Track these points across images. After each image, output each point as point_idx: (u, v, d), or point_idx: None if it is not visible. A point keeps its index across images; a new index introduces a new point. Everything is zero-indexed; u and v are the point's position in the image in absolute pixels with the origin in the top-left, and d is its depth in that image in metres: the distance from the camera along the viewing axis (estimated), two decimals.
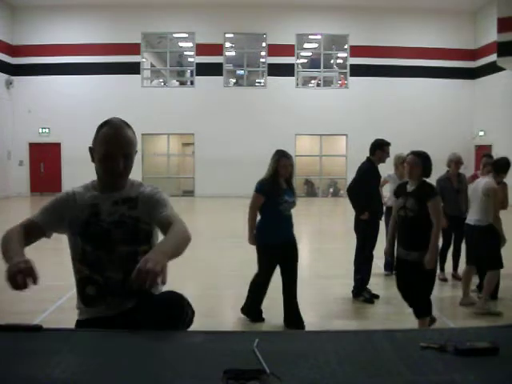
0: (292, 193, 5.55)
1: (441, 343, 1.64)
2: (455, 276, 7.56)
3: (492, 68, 19.41)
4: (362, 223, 6.50)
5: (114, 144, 2.40)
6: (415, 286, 4.81)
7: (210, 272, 8.40)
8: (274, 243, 5.41)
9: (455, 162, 7.59)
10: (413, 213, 4.71)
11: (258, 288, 5.61)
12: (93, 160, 2.49)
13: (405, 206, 4.77)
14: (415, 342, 1.66)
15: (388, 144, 6.76)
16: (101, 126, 2.47)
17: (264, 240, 5.48)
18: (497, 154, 16.54)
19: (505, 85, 19.52)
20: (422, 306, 4.86)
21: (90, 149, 2.48)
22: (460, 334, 1.85)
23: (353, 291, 6.61)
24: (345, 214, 17.32)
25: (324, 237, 12.72)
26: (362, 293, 6.54)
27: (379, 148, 6.64)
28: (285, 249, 5.46)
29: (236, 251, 9.82)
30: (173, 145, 22.34)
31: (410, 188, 4.87)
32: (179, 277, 7.97)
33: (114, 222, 2.41)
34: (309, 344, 1.69)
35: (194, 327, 1.97)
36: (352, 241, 7.01)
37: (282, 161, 5.45)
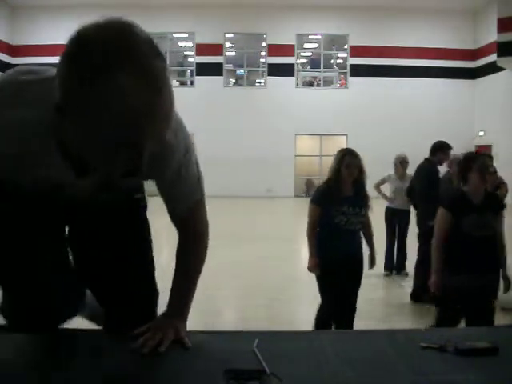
0: (360, 201, 4.47)
1: (441, 343, 1.65)
2: None
3: (492, 68, 19.44)
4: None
5: None
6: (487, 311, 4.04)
7: (209, 271, 8.40)
8: (329, 258, 4.38)
9: (457, 163, 7.57)
10: (491, 230, 3.94)
11: (323, 325, 4.50)
12: None
13: (482, 224, 3.89)
14: (415, 342, 1.67)
15: (450, 147, 6.66)
16: None
17: (319, 254, 4.42)
18: (496, 153, 16.58)
19: (505, 84, 19.53)
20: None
21: None
22: (460, 335, 1.86)
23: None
24: None
25: None
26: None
27: (440, 150, 6.55)
28: (344, 266, 4.35)
29: (235, 253, 9.84)
30: None
31: (476, 200, 3.98)
32: None
33: None
34: (309, 344, 1.69)
35: (195, 327, 1.96)
36: None
37: (346, 159, 4.39)
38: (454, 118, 21.65)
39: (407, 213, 7.71)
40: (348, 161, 4.36)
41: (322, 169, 22.22)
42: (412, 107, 21.42)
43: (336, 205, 4.30)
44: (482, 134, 21.31)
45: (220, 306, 6.88)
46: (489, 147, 20.64)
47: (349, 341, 1.76)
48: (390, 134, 21.31)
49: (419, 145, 20.72)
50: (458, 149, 21.09)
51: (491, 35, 18.90)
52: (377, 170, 22.64)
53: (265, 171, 21.02)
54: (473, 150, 21.57)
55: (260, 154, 20.95)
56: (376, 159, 21.00)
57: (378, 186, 8.39)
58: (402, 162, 7.92)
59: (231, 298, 7.40)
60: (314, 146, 22.32)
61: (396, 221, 7.89)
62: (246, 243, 11.06)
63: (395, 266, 7.86)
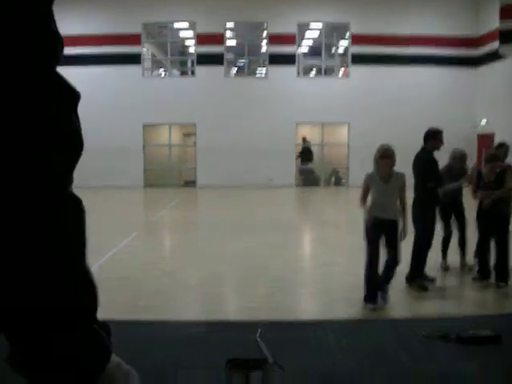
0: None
1: (443, 332, 1.64)
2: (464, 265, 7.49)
3: (494, 56, 19.28)
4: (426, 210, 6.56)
5: None
6: None
7: (212, 261, 8.42)
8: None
9: (460, 158, 7.54)
10: None
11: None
12: None
13: None
14: (417, 331, 1.66)
15: (439, 132, 6.75)
16: None
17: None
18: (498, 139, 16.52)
19: (507, 73, 19.41)
20: None
21: None
22: (463, 323, 1.85)
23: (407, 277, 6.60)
24: (348, 203, 17.34)
25: (327, 226, 12.68)
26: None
27: (431, 137, 6.69)
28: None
29: (236, 242, 9.85)
30: (174, 135, 22.30)
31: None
32: (182, 267, 8.00)
33: None
34: (311, 334, 1.70)
35: (197, 316, 1.97)
36: (354, 231, 6.99)
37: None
38: (455, 107, 21.54)
39: None
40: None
41: (323, 157, 22.22)
42: (413, 95, 21.29)
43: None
44: (484, 122, 21.19)
45: (222, 295, 6.88)
46: (491, 136, 20.58)
47: (351, 330, 1.76)
48: (391, 121, 21.22)
49: (420, 132, 20.74)
50: (460, 137, 21.24)
51: (493, 23, 18.72)
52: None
53: (266, 160, 20.97)
54: (475, 138, 21.52)
55: (261, 144, 20.89)
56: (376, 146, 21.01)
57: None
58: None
59: (233, 286, 7.42)
60: (315, 134, 22.26)
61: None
62: (247, 233, 11.06)
63: None
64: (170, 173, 21.16)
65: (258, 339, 1.38)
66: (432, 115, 21.18)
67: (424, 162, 6.67)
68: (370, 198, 5.82)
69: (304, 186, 21.93)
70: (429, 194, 6.54)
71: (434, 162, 6.70)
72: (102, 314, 1.03)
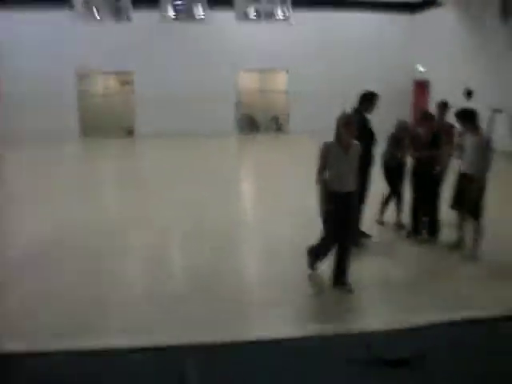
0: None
1: (367, 355, 1.63)
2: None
3: (432, 2, 19.30)
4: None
5: None
6: None
7: (148, 214, 8.36)
8: None
9: (404, 129, 7.71)
10: None
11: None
12: None
13: None
14: (339, 352, 1.61)
15: (376, 95, 6.84)
16: None
17: None
18: (436, 91, 16.89)
19: (444, 20, 19.60)
20: None
21: None
22: (385, 339, 1.86)
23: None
24: (291, 147, 17.38)
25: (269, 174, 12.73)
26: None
27: (369, 100, 6.78)
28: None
29: (178, 195, 9.78)
30: (111, 84, 21.47)
31: None
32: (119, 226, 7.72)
33: None
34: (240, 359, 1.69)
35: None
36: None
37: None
38: (392, 53, 21.63)
39: None
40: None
41: (263, 104, 22.06)
42: (351, 42, 21.24)
43: None
44: (420, 69, 21.42)
45: (160, 253, 6.88)
46: (426, 82, 20.92)
47: (253, 354, 1.68)
48: (330, 68, 21.23)
49: (358, 79, 20.91)
50: (398, 83, 21.43)
51: None
52: (320, 102, 22.65)
53: (206, 108, 20.65)
54: (411, 84, 21.84)
55: (201, 91, 20.46)
56: (317, 93, 21.07)
57: None
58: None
59: (172, 244, 7.44)
60: (255, 81, 22.00)
61: None
62: (187, 185, 11.01)
63: None
64: (107, 122, 20.55)
65: (187, 373, 1.32)
66: (370, 62, 21.34)
67: (359, 123, 6.73)
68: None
69: (245, 133, 21.82)
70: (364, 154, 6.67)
71: (369, 123, 6.82)
72: None
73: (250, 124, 22.28)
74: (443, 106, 7.73)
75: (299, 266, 5.97)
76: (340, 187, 5.35)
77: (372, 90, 6.91)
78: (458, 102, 15.82)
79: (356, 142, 5.39)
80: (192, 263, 6.51)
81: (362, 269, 6.07)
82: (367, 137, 6.63)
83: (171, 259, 7.00)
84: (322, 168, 5.37)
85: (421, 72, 21.35)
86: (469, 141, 6.31)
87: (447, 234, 7.05)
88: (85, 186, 11.76)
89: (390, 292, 5.58)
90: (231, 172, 13.50)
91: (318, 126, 20.83)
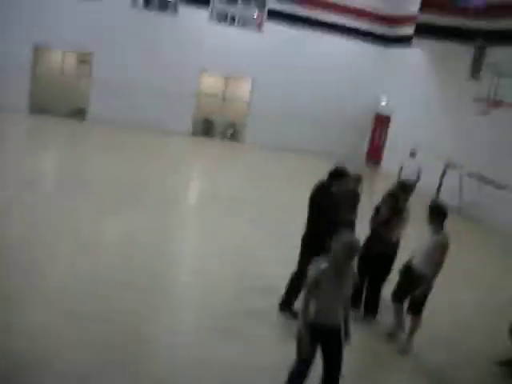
0: None
1: None
2: None
3: (407, 41, 19.28)
4: None
5: None
6: None
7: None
8: None
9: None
10: None
11: None
12: None
13: None
14: None
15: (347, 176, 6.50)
16: None
17: None
18: (393, 124, 16.98)
19: (415, 61, 19.68)
20: None
21: None
22: None
23: None
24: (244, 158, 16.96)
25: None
26: None
27: (338, 178, 6.36)
28: None
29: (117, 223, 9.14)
30: (68, 62, 20.38)
31: None
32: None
33: None
34: None
35: None
36: None
37: None
38: (360, 82, 21.62)
39: None
40: None
41: (223, 110, 21.55)
42: (322, 63, 21.07)
43: None
44: (384, 103, 21.54)
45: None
46: (387, 117, 21.00)
47: None
48: (295, 85, 20.97)
49: (324, 100, 20.81)
50: (361, 113, 21.50)
51: (414, 7, 18.25)
52: (279, 118, 22.51)
53: (164, 104, 19.98)
54: (373, 115, 21.85)
55: (161, 86, 19.78)
56: (278, 108, 20.77)
57: None
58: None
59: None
60: (218, 85, 21.42)
61: None
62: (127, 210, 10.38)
63: None
64: (59, 101, 19.54)
65: None
66: (335, 87, 21.19)
67: (325, 198, 6.40)
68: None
69: (200, 135, 21.24)
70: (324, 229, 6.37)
71: (335, 201, 6.49)
72: None
73: (206, 128, 21.73)
74: (407, 189, 7.29)
75: None
76: (325, 320, 4.37)
77: (344, 167, 6.53)
78: (408, 141, 15.95)
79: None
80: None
81: None
82: (331, 213, 6.31)
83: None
84: (309, 300, 4.33)
85: (383, 106, 21.40)
86: (429, 238, 5.99)
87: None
88: None
89: None
90: (169, 188, 12.78)
91: (273, 141, 20.75)
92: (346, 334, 4.52)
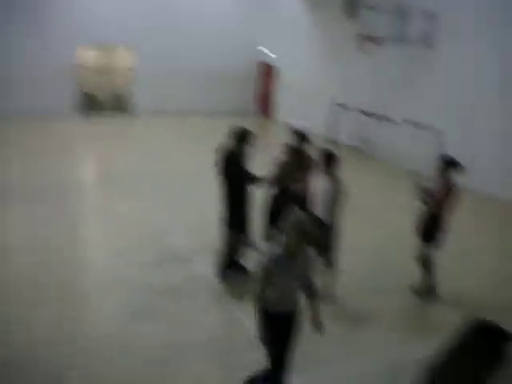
0: None
1: None
2: None
3: None
4: None
5: None
6: None
7: None
8: None
9: None
10: None
11: None
12: None
13: None
14: None
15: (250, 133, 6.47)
16: None
17: None
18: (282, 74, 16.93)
19: (291, 4, 19.64)
20: None
21: None
22: None
23: None
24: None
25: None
26: None
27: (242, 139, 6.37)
28: None
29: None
30: None
31: None
32: None
33: None
34: None
35: None
36: None
37: None
38: (239, 33, 21.09)
39: None
40: None
41: (106, 82, 20.55)
42: (199, 18, 20.52)
43: None
44: (271, 54, 21.11)
45: None
46: (272, 67, 20.85)
47: None
48: (177, 45, 20.34)
49: (205, 58, 20.33)
50: (242, 60, 21.19)
51: None
52: (166, 82, 21.73)
53: (41, 84, 18.66)
54: (255, 64, 21.59)
55: (35, 64, 18.43)
56: (163, 71, 20.09)
57: None
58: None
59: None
60: (98, 57, 20.29)
61: None
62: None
63: None
64: None
65: None
66: (215, 42, 20.72)
67: (234, 162, 6.39)
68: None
69: (86, 113, 20.11)
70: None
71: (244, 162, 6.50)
72: None
73: (91, 104, 20.65)
74: (305, 137, 7.22)
75: None
76: (283, 307, 4.27)
77: (244, 126, 6.51)
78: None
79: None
80: None
81: None
82: (241, 175, 6.22)
83: None
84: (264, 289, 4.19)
85: (268, 56, 21.20)
86: (325, 186, 6.04)
87: None
88: None
89: None
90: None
91: (163, 107, 20.11)
92: (317, 322, 4.38)
